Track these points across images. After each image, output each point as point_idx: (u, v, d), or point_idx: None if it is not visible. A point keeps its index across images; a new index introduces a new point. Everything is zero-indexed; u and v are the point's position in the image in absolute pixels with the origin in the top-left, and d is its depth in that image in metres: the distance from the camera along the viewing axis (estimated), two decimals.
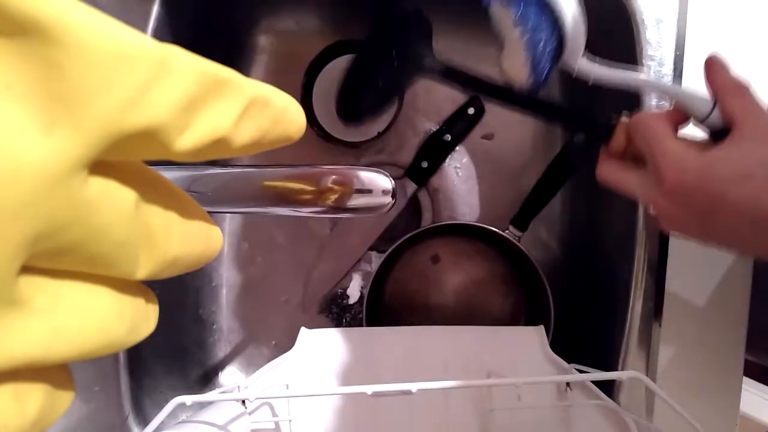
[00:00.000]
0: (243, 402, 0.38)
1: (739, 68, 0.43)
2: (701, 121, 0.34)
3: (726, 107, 0.32)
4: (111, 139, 0.10)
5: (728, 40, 0.43)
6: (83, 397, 0.41)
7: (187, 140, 0.11)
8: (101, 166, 0.10)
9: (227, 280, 0.57)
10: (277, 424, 0.40)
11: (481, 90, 0.40)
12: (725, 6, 0.43)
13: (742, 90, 0.33)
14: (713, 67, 0.34)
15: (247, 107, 0.12)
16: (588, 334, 0.51)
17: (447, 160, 0.58)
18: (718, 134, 0.33)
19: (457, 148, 0.57)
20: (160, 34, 0.44)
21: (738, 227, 0.31)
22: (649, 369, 0.43)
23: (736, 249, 0.37)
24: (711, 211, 0.31)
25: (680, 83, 0.43)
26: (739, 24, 0.43)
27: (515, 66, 0.38)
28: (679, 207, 0.32)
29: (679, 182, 0.31)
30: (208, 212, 0.15)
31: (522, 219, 0.52)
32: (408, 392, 0.31)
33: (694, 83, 0.43)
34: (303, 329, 0.44)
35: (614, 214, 0.50)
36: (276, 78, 0.58)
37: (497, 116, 0.58)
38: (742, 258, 0.42)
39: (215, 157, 0.12)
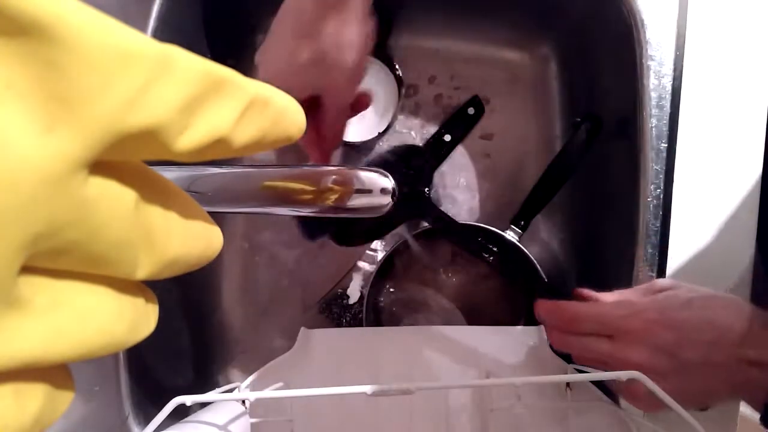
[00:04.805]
0: (243, 402, 0.38)
1: (738, 68, 0.43)
2: None
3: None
4: (111, 139, 0.10)
5: (728, 40, 0.43)
6: (83, 397, 0.41)
7: (188, 140, 0.11)
8: (101, 166, 0.10)
9: (227, 280, 0.57)
10: (277, 424, 0.40)
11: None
12: (725, 6, 0.43)
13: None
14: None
15: (247, 107, 0.12)
16: None
17: (447, 160, 0.58)
18: None
19: (457, 148, 0.57)
20: (160, 34, 0.44)
21: (704, 354, 0.33)
22: None
23: (710, 388, 0.35)
24: (677, 342, 0.33)
25: (680, 83, 0.43)
26: (739, 24, 0.43)
27: None
28: (653, 351, 0.34)
29: (644, 323, 0.34)
30: (208, 212, 0.15)
31: (522, 219, 0.52)
32: (408, 392, 0.31)
33: (695, 83, 0.43)
34: (303, 329, 0.44)
35: (614, 214, 0.50)
36: None
37: (497, 116, 0.58)
38: (741, 258, 0.42)
39: (215, 157, 0.12)
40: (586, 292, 0.40)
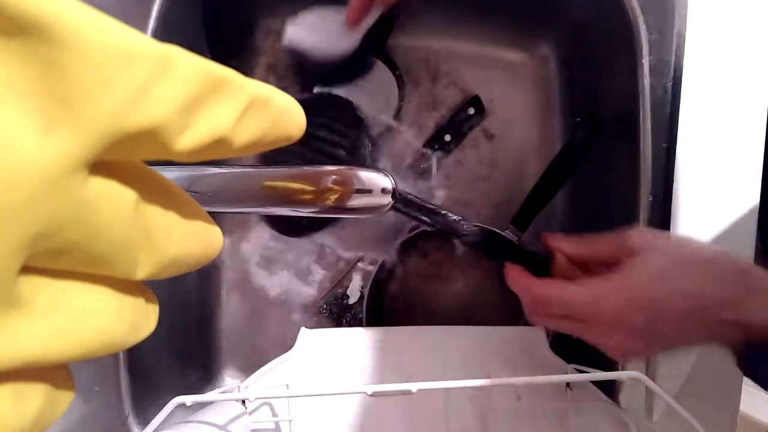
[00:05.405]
0: (243, 402, 0.38)
1: (738, 68, 0.43)
2: None
3: (622, 246, 0.36)
4: (111, 139, 0.10)
5: (728, 40, 0.43)
6: (83, 397, 0.41)
7: (187, 140, 0.11)
8: (101, 166, 0.10)
9: (227, 280, 0.57)
10: (277, 424, 0.40)
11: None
12: (725, 6, 0.43)
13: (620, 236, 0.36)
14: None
15: (247, 107, 0.12)
16: None
17: (447, 160, 0.58)
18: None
19: (457, 148, 0.57)
20: (160, 34, 0.44)
21: (678, 323, 0.32)
22: (649, 369, 0.43)
23: (687, 345, 0.37)
24: (649, 320, 0.32)
25: (680, 84, 0.43)
26: (739, 24, 0.43)
27: None
28: (627, 335, 0.33)
29: (614, 310, 0.33)
30: (208, 212, 0.15)
31: (522, 219, 0.52)
32: (408, 392, 0.31)
33: (694, 83, 0.43)
34: (303, 329, 0.44)
35: (614, 214, 0.50)
36: (276, 78, 0.58)
37: (497, 116, 0.58)
38: (741, 258, 0.42)
39: (215, 157, 0.12)
40: (552, 241, 0.40)
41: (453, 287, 0.57)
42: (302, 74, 0.56)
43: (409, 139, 0.58)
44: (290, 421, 0.40)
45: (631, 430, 0.36)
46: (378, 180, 0.28)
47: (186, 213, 0.13)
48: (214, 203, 0.28)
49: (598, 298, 0.33)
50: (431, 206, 0.41)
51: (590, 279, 0.35)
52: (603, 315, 0.33)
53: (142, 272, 0.12)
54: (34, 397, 0.11)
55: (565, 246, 0.39)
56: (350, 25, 0.47)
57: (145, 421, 0.43)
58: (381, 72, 0.55)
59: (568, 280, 0.37)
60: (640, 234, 0.36)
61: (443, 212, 0.42)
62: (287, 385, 0.41)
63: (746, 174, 0.42)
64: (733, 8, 0.43)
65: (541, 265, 0.40)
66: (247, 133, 0.12)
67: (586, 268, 0.39)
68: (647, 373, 0.42)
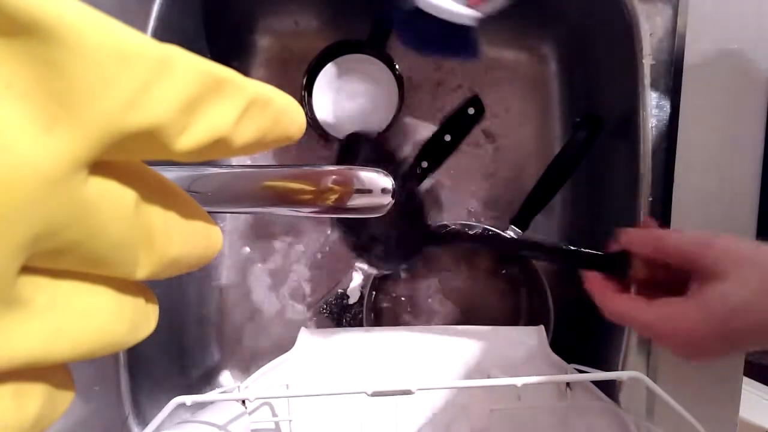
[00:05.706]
0: (243, 402, 0.38)
1: (738, 68, 0.43)
2: None
3: (700, 261, 0.33)
4: (111, 139, 0.10)
5: (728, 40, 0.43)
6: (83, 397, 0.41)
7: (188, 140, 0.11)
8: (101, 166, 0.10)
9: (227, 280, 0.57)
10: (277, 424, 0.40)
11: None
12: (725, 6, 0.43)
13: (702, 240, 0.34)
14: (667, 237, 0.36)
15: (247, 107, 0.12)
16: (588, 334, 0.51)
17: (447, 160, 0.58)
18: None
19: (458, 148, 0.57)
20: (160, 34, 0.44)
21: (756, 342, 0.33)
22: (650, 369, 0.43)
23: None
24: (722, 348, 0.32)
25: (680, 83, 0.43)
26: (739, 24, 0.43)
27: None
28: (699, 353, 0.33)
29: (689, 339, 0.32)
30: (208, 212, 0.15)
31: (522, 219, 0.52)
32: (408, 392, 0.31)
33: (694, 83, 0.43)
34: (303, 329, 0.44)
35: (614, 214, 0.50)
36: (276, 78, 0.58)
37: (497, 116, 0.58)
38: None
39: (215, 157, 0.12)
40: (628, 243, 0.37)
41: (453, 287, 0.57)
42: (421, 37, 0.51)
43: (409, 138, 0.58)
44: (290, 421, 0.40)
45: (631, 430, 0.36)
46: (378, 180, 0.28)
47: (186, 213, 0.13)
48: (214, 203, 0.28)
49: (673, 326, 0.33)
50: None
51: (667, 302, 0.34)
52: (677, 340, 0.33)
53: (142, 272, 0.12)
54: (34, 397, 0.11)
55: (639, 248, 0.37)
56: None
57: (145, 421, 0.43)
58: (381, 72, 0.55)
59: (646, 288, 0.36)
60: (725, 248, 0.33)
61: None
62: (287, 385, 0.41)
63: (746, 174, 0.42)
64: (733, 8, 0.43)
65: (618, 264, 0.38)
66: (247, 133, 0.12)
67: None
68: (647, 373, 0.42)
